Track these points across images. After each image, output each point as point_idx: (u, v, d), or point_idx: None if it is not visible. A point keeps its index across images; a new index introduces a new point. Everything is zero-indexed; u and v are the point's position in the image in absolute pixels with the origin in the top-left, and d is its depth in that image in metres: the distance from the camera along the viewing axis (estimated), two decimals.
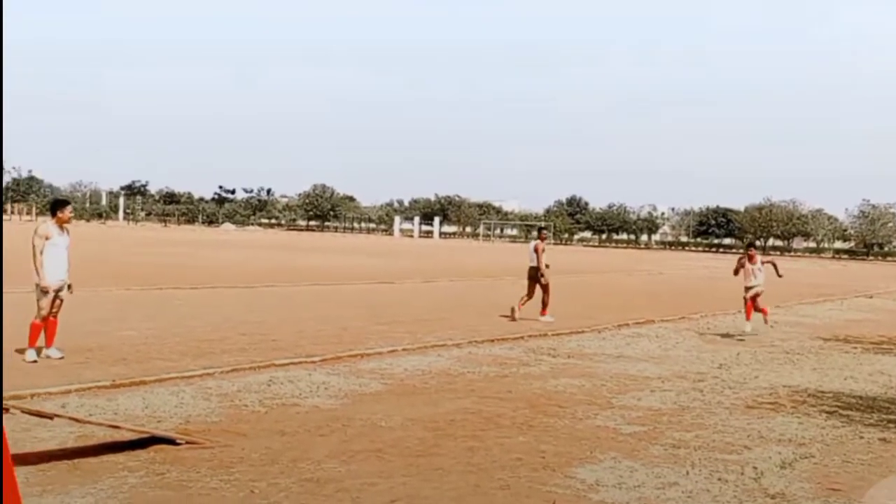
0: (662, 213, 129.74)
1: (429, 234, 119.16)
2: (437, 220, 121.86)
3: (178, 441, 6.65)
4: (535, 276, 17.30)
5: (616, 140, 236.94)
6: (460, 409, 8.55)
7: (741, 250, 19.39)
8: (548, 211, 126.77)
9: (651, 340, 14.64)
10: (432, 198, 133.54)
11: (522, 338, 14.10)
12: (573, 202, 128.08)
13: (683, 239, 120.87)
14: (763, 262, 16.50)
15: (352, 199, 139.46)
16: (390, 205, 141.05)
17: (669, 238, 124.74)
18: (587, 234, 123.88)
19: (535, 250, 17.48)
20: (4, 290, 15.24)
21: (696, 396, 9.68)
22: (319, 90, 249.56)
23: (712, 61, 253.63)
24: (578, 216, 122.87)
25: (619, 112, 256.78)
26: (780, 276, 16.97)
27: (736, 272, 16.46)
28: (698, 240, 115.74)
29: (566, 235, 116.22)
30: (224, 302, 17.97)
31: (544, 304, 17.14)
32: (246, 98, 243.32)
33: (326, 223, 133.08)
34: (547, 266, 17.29)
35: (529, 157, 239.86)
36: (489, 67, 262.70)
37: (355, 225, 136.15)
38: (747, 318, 16.22)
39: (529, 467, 6.53)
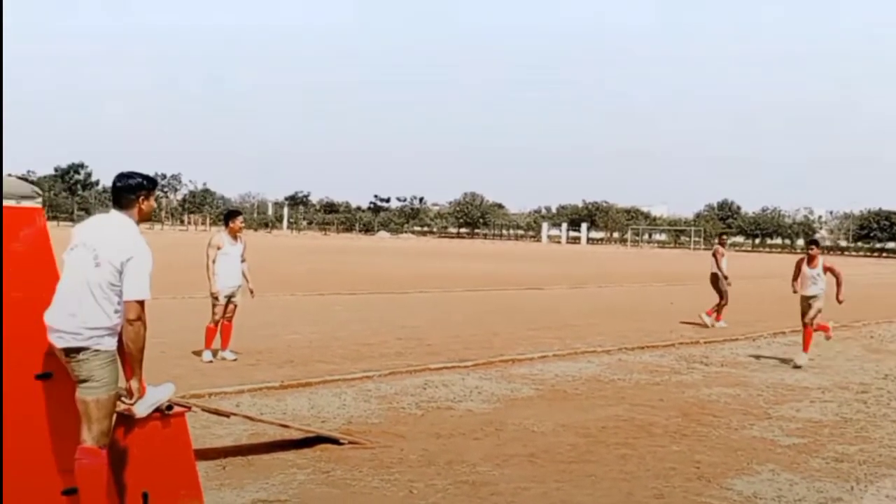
0: (819, 217, 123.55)
1: (576, 240, 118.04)
2: (584, 225, 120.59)
3: (342, 441, 6.87)
4: (714, 281, 17.44)
5: (769, 139, 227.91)
6: (611, 416, 8.43)
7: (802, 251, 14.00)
8: (698, 216, 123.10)
9: (810, 349, 13.95)
10: (580, 204, 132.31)
11: (673, 345, 13.75)
12: (724, 206, 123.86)
13: (843, 243, 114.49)
14: (825, 269, 12.33)
15: (500, 206, 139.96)
16: (538, 211, 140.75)
17: (828, 242, 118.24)
18: (739, 238, 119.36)
19: (714, 255, 17.69)
20: (183, 296, 16.20)
21: (859, 408, 9.17)
22: (469, 97, 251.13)
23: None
24: (730, 220, 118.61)
25: (768, 112, 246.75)
26: (839, 300, 12.37)
27: (795, 278, 12.66)
28: (859, 244, 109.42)
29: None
30: (380, 307, 18.40)
31: (717, 309, 16.94)
32: (398, 108, 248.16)
33: (476, 230, 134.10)
34: (726, 277, 17.17)
35: (678, 161, 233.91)
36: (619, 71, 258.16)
37: (504, 232, 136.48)
38: (804, 349, 12.33)
39: (683, 477, 6.37)
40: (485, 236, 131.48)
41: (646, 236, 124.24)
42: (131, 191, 4.72)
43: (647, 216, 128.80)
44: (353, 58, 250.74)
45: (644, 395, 9.55)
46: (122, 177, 4.74)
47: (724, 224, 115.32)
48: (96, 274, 4.46)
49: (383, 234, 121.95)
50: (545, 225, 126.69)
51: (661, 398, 9.38)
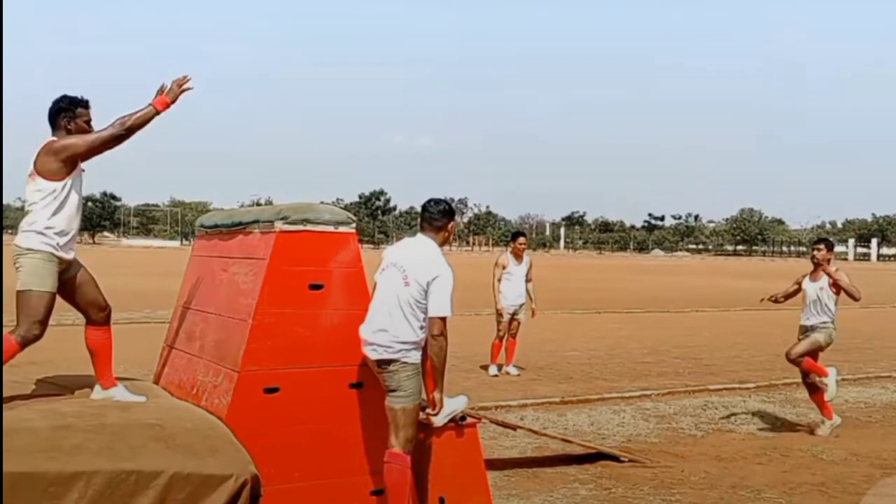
0: None
1: (865, 257, 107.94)
2: (874, 241, 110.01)
3: (623, 459, 6.77)
4: None
5: None
6: None
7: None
8: None
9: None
10: (869, 218, 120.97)
11: None
12: None
13: None
14: (832, 285, 8.04)
15: (780, 222, 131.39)
16: (822, 227, 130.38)
17: None
18: None
19: None
20: (470, 313, 16.81)
21: None
22: (747, 110, 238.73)
23: None
24: None
25: None
26: (854, 297, 8.04)
27: (788, 295, 8.50)
28: None
29: None
30: (657, 325, 17.97)
31: None
32: (670, 126, 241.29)
33: (754, 248, 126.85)
34: None
35: None
36: None
37: (784, 249, 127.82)
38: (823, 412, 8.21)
39: None
40: (763, 254, 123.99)
41: None
42: (441, 216, 5.01)
43: None
44: (635, 78, 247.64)
45: None
46: (433, 203, 5.04)
47: None
48: (405, 292, 4.75)
49: (657, 252, 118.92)
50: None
51: None
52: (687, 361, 12.49)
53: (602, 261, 77.46)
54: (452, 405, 5.09)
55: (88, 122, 4.63)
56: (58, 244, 4.47)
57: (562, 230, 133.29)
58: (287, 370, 4.69)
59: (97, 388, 4.83)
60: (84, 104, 4.64)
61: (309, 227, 4.85)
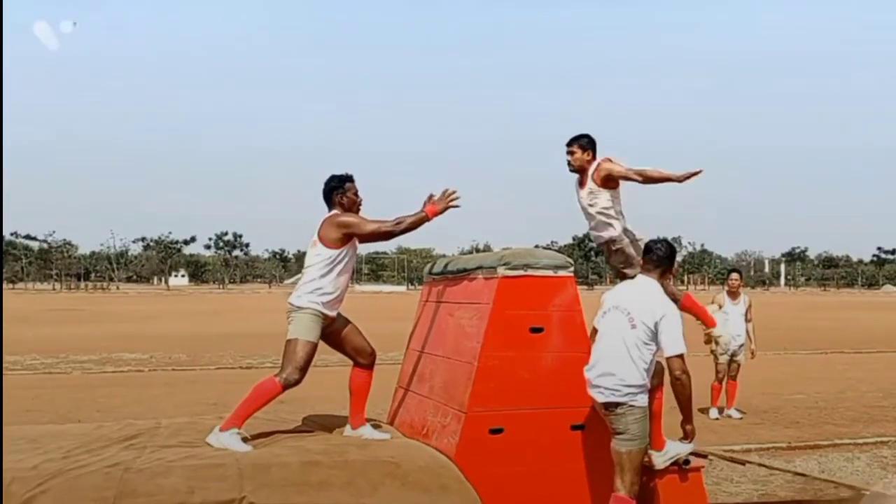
0: None
1: None
2: None
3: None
4: None
5: None
6: None
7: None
8: None
9: None
10: None
11: None
12: None
13: None
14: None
15: None
16: None
17: None
18: None
19: None
20: (688, 354, 16.17)
21: None
22: None
23: None
24: None
25: None
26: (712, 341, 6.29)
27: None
28: None
29: None
30: (892, 367, 16.33)
31: None
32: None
33: None
34: None
35: None
36: None
37: None
38: None
39: None
40: None
41: None
42: (666, 258, 4.89)
43: None
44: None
45: None
46: (658, 244, 4.92)
47: None
48: (632, 335, 4.63)
49: (889, 287, 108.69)
50: None
51: None
52: None
53: (827, 298, 71.95)
54: (676, 448, 4.91)
55: (356, 193, 5.16)
56: (324, 303, 4.92)
57: (782, 266, 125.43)
58: (510, 412, 4.73)
59: (347, 427, 5.12)
60: (350, 179, 5.19)
61: (529, 272, 4.91)
